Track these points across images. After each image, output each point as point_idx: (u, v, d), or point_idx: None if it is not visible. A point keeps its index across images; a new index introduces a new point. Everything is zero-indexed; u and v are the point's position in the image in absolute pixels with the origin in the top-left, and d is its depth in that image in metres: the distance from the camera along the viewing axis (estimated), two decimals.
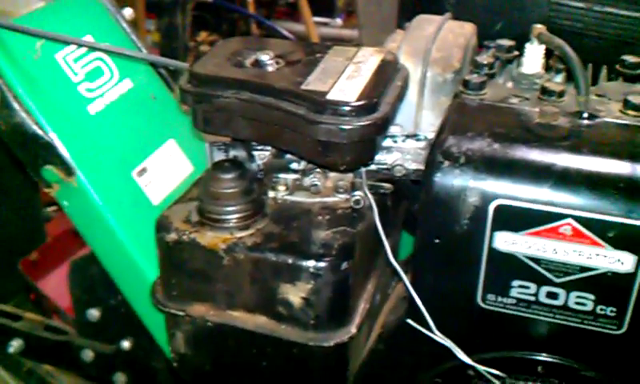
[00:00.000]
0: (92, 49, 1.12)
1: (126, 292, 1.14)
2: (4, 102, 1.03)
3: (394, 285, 1.07)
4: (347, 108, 0.82)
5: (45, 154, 1.04)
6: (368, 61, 0.91)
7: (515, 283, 0.81)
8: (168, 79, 1.24)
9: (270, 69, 0.90)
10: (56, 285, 1.56)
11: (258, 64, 0.91)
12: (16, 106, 1.03)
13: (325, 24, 3.51)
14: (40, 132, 1.03)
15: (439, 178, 0.80)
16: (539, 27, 0.91)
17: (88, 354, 1.28)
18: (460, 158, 0.79)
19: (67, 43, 1.09)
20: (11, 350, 1.35)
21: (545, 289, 0.80)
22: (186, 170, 1.19)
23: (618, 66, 0.96)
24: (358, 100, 0.82)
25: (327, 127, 0.81)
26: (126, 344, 1.24)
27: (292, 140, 0.87)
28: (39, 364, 1.49)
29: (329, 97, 0.83)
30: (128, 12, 1.23)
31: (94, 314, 1.24)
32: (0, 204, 1.57)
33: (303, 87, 0.85)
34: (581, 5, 1.24)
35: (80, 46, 1.10)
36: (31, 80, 1.05)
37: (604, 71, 0.99)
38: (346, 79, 0.86)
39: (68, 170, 1.04)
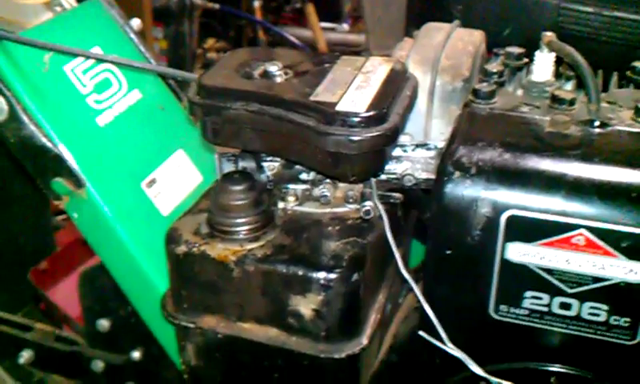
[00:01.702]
0: (100, 60, 1.12)
1: (135, 303, 1.14)
2: (13, 114, 1.03)
3: (404, 294, 1.07)
4: (357, 119, 0.81)
5: (54, 166, 1.05)
6: (377, 70, 0.90)
7: (528, 294, 0.80)
8: (176, 89, 1.25)
9: (278, 80, 0.89)
10: (66, 294, 1.56)
11: (266, 75, 0.90)
12: (25, 118, 1.03)
13: (332, 29, 3.51)
14: (49, 144, 1.04)
15: (450, 189, 0.79)
16: (549, 35, 0.90)
17: (98, 365, 1.28)
18: (471, 169, 0.79)
19: (75, 55, 1.09)
20: (22, 360, 1.35)
21: (558, 299, 0.79)
22: (195, 180, 1.19)
23: (628, 73, 0.95)
24: (368, 111, 0.82)
25: (337, 138, 0.81)
26: (136, 354, 1.24)
27: (301, 151, 0.87)
28: (50, 374, 1.49)
29: (338, 108, 0.82)
30: (136, 23, 1.23)
31: (104, 324, 1.24)
32: (10, 213, 1.57)
33: (312, 98, 0.84)
34: (590, 10, 1.23)
35: (88, 58, 1.11)
36: (40, 92, 1.05)
37: (615, 78, 0.98)
38: (355, 90, 0.86)
39: (77, 182, 1.05)
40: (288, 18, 3.55)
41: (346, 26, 3.61)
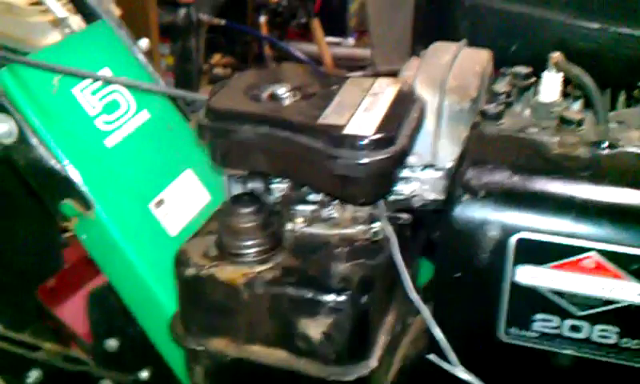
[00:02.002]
0: (109, 82, 1.12)
1: (144, 324, 1.14)
2: (22, 136, 1.04)
3: (414, 314, 1.06)
4: (364, 142, 0.81)
5: (63, 188, 1.05)
6: (384, 92, 0.90)
7: (538, 317, 0.80)
8: (184, 109, 1.25)
9: (286, 102, 0.89)
10: (73, 311, 1.56)
11: (274, 97, 0.90)
12: (34, 140, 1.04)
13: (337, 44, 3.52)
14: (58, 166, 1.04)
15: (459, 212, 0.79)
16: (556, 55, 0.90)
17: None
18: (480, 191, 0.78)
19: (84, 77, 1.10)
20: (30, 380, 1.35)
21: (568, 322, 0.79)
22: (203, 199, 1.19)
23: (636, 92, 0.95)
24: (376, 133, 0.82)
25: (345, 161, 0.81)
26: (144, 374, 1.24)
27: (309, 173, 0.87)
28: None
29: (346, 130, 0.82)
30: (144, 43, 1.23)
31: (112, 344, 1.24)
32: (17, 230, 1.57)
33: (320, 121, 0.84)
34: (596, 26, 1.23)
35: (97, 80, 1.11)
36: (49, 114, 1.05)
37: (622, 96, 0.98)
38: (362, 112, 0.86)
39: (86, 204, 1.05)
40: (294, 33, 3.56)
41: (351, 41, 3.61)
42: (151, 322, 1.13)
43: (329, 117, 0.85)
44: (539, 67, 0.93)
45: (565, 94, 0.96)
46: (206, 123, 0.89)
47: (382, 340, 0.92)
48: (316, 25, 3.12)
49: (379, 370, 0.91)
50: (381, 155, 0.81)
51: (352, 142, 0.81)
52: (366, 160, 0.81)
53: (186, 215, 1.15)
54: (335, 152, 0.81)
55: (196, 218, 1.16)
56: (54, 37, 1.17)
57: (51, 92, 1.06)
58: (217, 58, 2.98)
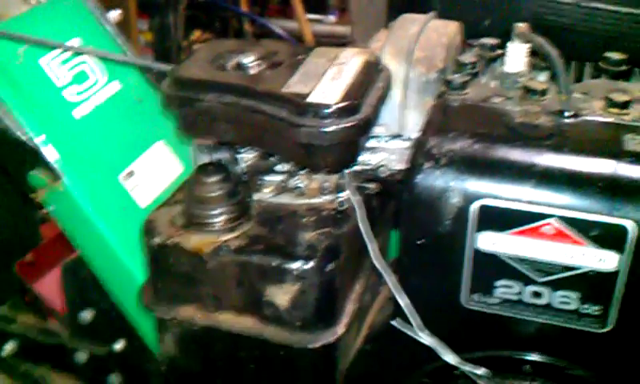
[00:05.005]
0: (77, 53, 1.12)
1: (115, 295, 1.14)
2: None
3: (383, 283, 1.07)
4: (328, 110, 0.81)
5: (30, 159, 1.04)
6: (350, 62, 0.90)
7: (499, 283, 0.81)
8: (155, 81, 1.24)
9: (251, 71, 0.89)
10: (52, 286, 1.56)
11: (240, 67, 0.90)
12: (0, 111, 1.03)
13: (318, 21, 3.50)
14: (25, 138, 1.03)
15: (421, 180, 0.79)
16: (521, 25, 0.90)
17: (82, 356, 1.28)
18: (441, 159, 0.79)
19: (51, 48, 1.09)
20: (5, 352, 1.35)
21: (529, 288, 0.80)
22: (175, 171, 1.19)
23: (602, 63, 0.96)
24: (340, 102, 0.82)
25: (309, 130, 0.81)
26: (119, 345, 1.25)
27: (275, 143, 0.87)
28: (34, 366, 1.49)
29: (310, 99, 0.82)
30: (114, 14, 1.22)
31: (86, 316, 1.24)
32: None
33: (285, 90, 0.84)
34: (568, 0, 1.23)
35: (64, 50, 1.10)
36: (15, 85, 1.05)
37: (588, 68, 0.98)
38: (327, 81, 0.86)
39: (54, 175, 1.05)
40: (274, 10, 3.54)
41: (332, 18, 3.59)
42: (122, 293, 1.13)
43: (293, 85, 0.85)
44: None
45: (532, 66, 0.96)
46: (170, 92, 0.89)
47: (349, 308, 0.93)
48: (297, 1, 3.10)
49: (346, 337, 0.92)
50: (345, 123, 0.81)
51: (316, 110, 0.81)
52: (330, 128, 0.81)
53: (157, 187, 1.15)
54: (299, 120, 0.82)
55: (167, 189, 1.16)
56: (22, 9, 1.15)
57: (17, 63, 1.05)
58: (196, 34, 2.95)
